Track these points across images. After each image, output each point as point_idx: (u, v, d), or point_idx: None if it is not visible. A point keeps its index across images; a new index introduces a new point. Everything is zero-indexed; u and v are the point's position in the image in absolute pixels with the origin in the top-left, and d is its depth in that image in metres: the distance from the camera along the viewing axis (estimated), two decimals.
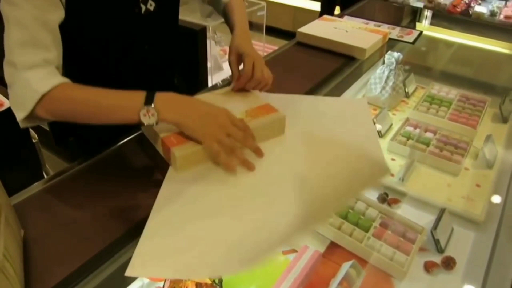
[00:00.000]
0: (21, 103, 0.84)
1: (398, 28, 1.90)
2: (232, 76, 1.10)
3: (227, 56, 1.13)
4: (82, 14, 0.94)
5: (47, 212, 0.83)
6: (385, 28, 1.87)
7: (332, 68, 1.41)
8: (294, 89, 1.19)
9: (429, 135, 1.32)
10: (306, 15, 4.40)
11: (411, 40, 1.82)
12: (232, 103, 1.04)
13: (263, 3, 1.71)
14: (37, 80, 0.83)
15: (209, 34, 1.42)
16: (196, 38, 1.52)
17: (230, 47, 1.12)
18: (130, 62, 1.10)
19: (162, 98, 0.85)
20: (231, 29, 1.16)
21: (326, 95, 1.30)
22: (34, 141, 1.82)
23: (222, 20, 1.27)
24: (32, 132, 1.83)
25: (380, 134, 1.31)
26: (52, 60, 0.88)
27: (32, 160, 1.76)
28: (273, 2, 4.72)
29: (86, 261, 0.73)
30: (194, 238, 0.77)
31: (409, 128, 1.34)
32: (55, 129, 1.25)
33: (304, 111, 1.15)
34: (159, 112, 0.84)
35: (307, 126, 1.09)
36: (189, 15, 2.12)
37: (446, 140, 1.29)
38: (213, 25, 1.47)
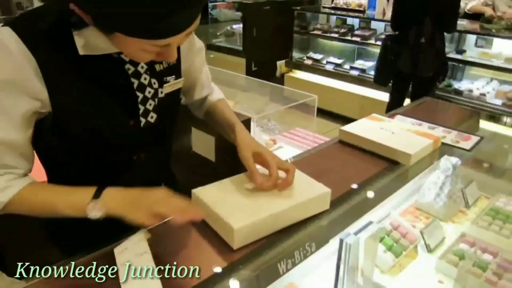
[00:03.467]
0: None
1: (455, 132, 1.67)
2: (250, 172, 1.05)
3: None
4: (70, 125, 0.95)
5: None
6: (439, 131, 1.67)
7: (373, 172, 1.28)
8: (334, 190, 1.09)
9: (487, 257, 1.15)
10: (373, 105, 4.39)
11: (467, 147, 1.56)
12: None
13: (315, 96, 1.70)
14: None
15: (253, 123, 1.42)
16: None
17: (239, 143, 1.10)
18: (115, 171, 1.08)
19: (109, 193, 0.90)
20: (226, 125, 1.18)
21: (368, 199, 1.18)
22: None
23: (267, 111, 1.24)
24: None
25: (429, 249, 1.17)
26: (16, 171, 0.94)
27: None
28: (340, 90, 4.78)
29: None
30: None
31: (464, 246, 1.18)
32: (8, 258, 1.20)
33: None
34: (105, 206, 0.88)
35: None
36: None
37: (507, 265, 1.11)
38: (258, 117, 1.47)
